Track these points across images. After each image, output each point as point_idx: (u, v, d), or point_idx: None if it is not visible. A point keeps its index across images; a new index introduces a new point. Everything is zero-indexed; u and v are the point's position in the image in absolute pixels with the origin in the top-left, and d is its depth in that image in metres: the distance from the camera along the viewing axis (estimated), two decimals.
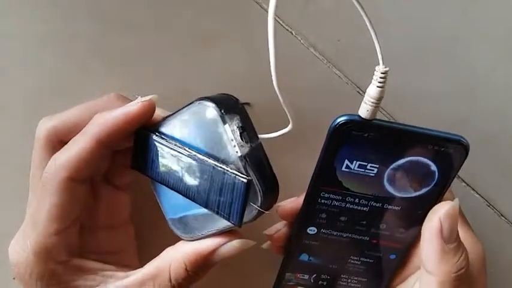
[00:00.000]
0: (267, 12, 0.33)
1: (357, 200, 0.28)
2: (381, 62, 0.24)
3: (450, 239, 0.26)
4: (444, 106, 0.36)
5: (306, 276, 0.32)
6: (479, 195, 0.38)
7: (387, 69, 0.24)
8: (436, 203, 0.28)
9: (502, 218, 0.39)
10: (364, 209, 0.28)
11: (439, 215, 0.26)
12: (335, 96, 0.35)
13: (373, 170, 0.27)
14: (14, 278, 0.37)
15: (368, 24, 0.24)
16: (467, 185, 0.38)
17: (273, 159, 0.36)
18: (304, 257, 0.31)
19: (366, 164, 0.26)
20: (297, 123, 0.35)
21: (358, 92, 0.35)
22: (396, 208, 0.28)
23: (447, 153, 0.26)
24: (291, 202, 0.30)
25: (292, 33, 0.33)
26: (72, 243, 0.29)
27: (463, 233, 0.28)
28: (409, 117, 0.36)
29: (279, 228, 0.32)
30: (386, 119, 0.36)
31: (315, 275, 0.32)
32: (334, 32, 0.33)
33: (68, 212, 0.28)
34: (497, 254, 0.39)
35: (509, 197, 0.38)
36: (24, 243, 0.28)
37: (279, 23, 0.33)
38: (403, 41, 0.34)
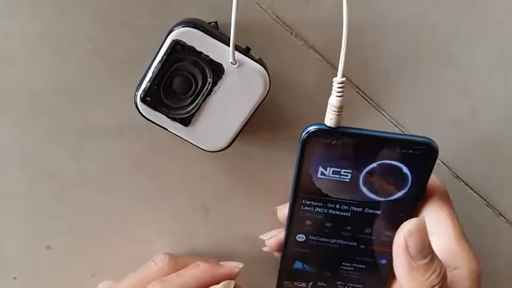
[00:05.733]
0: (267, 12, 0.33)
1: (337, 206, 0.29)
2: (339, 73, 0.26)
3: (418, 256, 0.25)
4: (443, 106, 0.36)
5: (303, 284, 0.33)
6: (478, 195, 0.38)
7: (343, 79, 0.26)
8: (416, 205, 0.28)
9: (501, 217, 0.39)
10: (346, 214, 0.29)
11: (403, 232, 0.26)
12: None
13: (347, 176, 0.28)
14: (15, 278, 0.37)
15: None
16: (466, 184, 0.38)
17: (274, 159, 0.36)
18: (298, 264, 0.32)
19: (340, 169, 0.28)
20: (297, 124, 0.35)
21: (358, 93, 0.35)
22: (377, 212, 0.29)
23: (416, 155, 0.27)
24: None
25: (292, 33, 0.33)
26: None
27: (457, 247, 0.28)
28: (408, 117, 0.36)
29: (274, 234, 0.33)
30: (389, 120, 0.36)
31: (311, 283, 0.32)
32: (334, 32, 0.33)
33: None
34: (495, 253, 0.39)
35: (507, 196, 0.38)
36: None
37: (279, 23, 0.33)
38: (403, 41, 0.34)
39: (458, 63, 0.35)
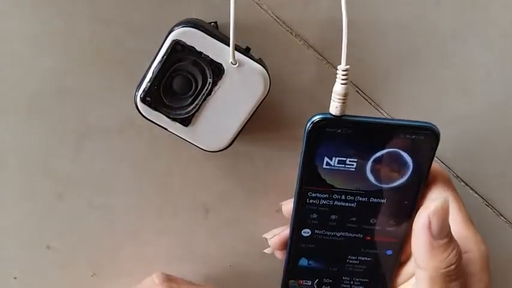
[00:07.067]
0: (267, 12, 0.33)
1: (343, 197, 0.29)
2: (343, 61, 0.26)
3: (439, 235, 0.26)
4: (443, 105, 0.36)
5: (309, 282, 0.33)
6: (478, 194, 0.38)
7: (348, 67, 0.26)
8: (419, 191, 0.29)
9: (501, 217, 0.39)
10: (352, 204, 0.29)
11: (427, 211, 0.26)
12: None
13: (352, 165, 0.28)
14: (15, 278, 0.37)
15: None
16: (466, 184, 0.38)
17: (274, 159, 0.36)
18: (304, 261, 0.32)
19: (345, 159, 0.28)
20: (297, 124, 0.35)
21: (358, 92, 0.35)
22: (382, 201, 0.29)
23: (419, 140, 0.27)
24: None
25: (292, 34, 0.34)
26: None
27: (465, 232, 0.28)
28: (407, 117, 0.36)
29: (277, 232, 0.33)
30: (384, 115, 0.36)
31: (317, 280, 0.33)
32: (334, 32, 0.34)
33: None
34: (495, 253, 0.39)
35: (507, 196, 0.38)
36: None
37: (279, 23, 0.33)
38: (403, 41, 0.34)
39: (458, 63, 0.35)
